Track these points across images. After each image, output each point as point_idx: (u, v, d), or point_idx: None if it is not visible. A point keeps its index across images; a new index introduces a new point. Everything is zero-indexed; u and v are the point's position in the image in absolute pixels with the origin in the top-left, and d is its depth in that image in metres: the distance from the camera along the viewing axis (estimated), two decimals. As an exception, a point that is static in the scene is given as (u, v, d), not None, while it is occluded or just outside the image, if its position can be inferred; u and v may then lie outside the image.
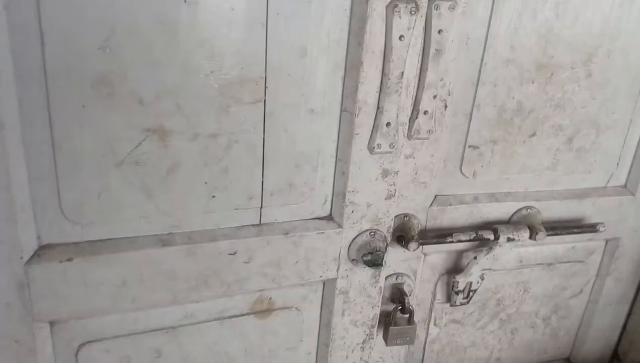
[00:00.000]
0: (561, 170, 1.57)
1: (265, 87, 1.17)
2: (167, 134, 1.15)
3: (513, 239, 1.52)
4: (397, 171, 1.36)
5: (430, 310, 1.67)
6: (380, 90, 1.25)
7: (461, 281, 1.59)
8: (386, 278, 1.54)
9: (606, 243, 1.75)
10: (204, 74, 1.12)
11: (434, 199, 1.50)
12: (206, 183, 1.22)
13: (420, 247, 1.50)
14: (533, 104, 1.45)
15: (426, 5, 1.20)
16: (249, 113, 1.18)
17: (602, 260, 1.77)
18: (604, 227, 1.59)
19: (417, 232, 1.47)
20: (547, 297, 1.77)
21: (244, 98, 1.17)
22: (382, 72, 1.23)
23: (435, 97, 1.33)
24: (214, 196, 1.24)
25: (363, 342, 1.55)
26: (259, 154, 1.23)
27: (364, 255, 1.39)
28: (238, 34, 1.11)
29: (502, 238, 1.51)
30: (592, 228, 1.59)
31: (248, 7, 1.10)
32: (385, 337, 1.59)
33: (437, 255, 1.59)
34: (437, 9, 1.23)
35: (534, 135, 1.49)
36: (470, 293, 1.62)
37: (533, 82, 1.42)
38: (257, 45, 1.13)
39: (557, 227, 1.57)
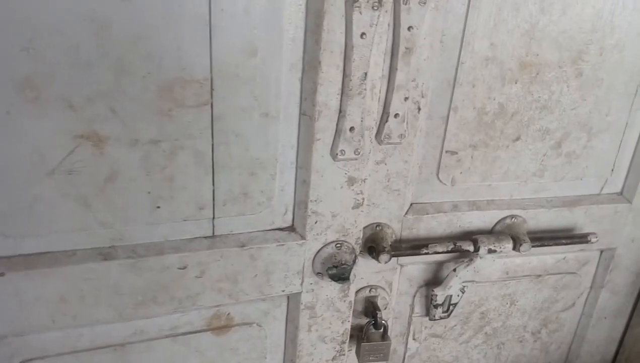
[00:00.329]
0: (549, 176, 1.45)
1: (212, 89, 1.07)
2: (102, 141, 1.05)
3: (495, 251, 1.40)
4: (365, 179, 1.25)
5: (409, 323, 1.56)
6: (342, 93, 1.13)
7: (440, 294, 1.48)
8: (358, 291, 1.44)
9: (601, 254, 1.63)
10: (140, 75, 1.02)
11: (409, 208, 1.39)
12: (149, 193, 1.12)
13: (396, 258, 1.39)
14: (516, 106, 1.33)
15: (392, 3, 1.09)
16: (194, 117, 1.08)
17: (596, 271, 1.65)
18: (596, 237, 1.47)
19: (389, 243, 1.36)
20: (536, 310, 1.65)
21: (188, 101, 1.06)
22: (343, 72, 1.11)
23: (406, 99, 1.22)
24: (158, 207, 1.14)
25: (333, 359, 1.45)
26: (208, 161, 1.13)
27: (329, 268, 1.29)
28: (177, 31, 1.00)
29: (483, 249, 1.40)
30: (582, 238, 1.47)
31: (188, 2, 0.99)
32: (357, 354, 1.49)
33: (415, 266, 1.49)
34: (406, 4, 1.11)
35: (518, 139, 1.37)
36: (451, 307, 1.52)
37: (516, 82, 1.30)
38: (200, 43, 1.02)
39: (544, 238, 1.46)
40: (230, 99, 1.09)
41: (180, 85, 1.04)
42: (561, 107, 1.36)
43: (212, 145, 1.12)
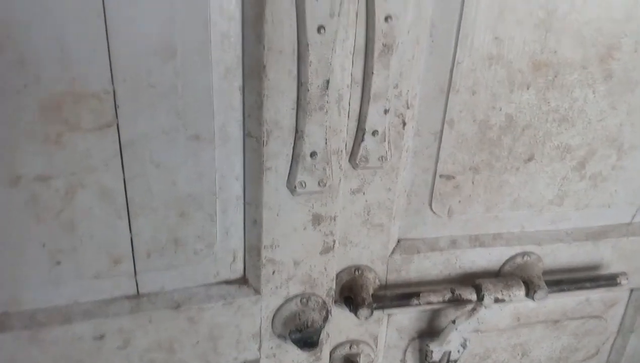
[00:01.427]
0: (570, 204, 1.17)
1: (116, 106, 0.79)
2: (-32, 179, 0.76)
3: (503, 300, 1.12)
4: (335, 216, 0.97)
5: (400, 382, 1.28)
6: (298, 107, 0.85)
7: (436, 350, 1.20)
8: (335, 348, 1.16)
9: (631, 293, 1.35)
10: (12, 89, 0.74)
11: (396, 245, 1.12)
12: (44, 245, 0.84)
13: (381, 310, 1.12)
14: (529, 118, 1.05)
15: (359, -20, 0.81)
16: (94, 143, 0.80)
17: (625, 313, 1.37)
18: (626, 278, 1.19)
19: (371, 292, 1.08)
20: (552, 361, 1.37)
21: (84, 122, 0.78)
22: (298, 80, 0.83)
23: (387, 111, 0.94)
24: (58, 262, 0.86)
25: None
26: (120, 201, 0.85)
27: (292, 332, 1.01)
28: (59, 27, 0.72)
29: (488, 298, 1.11)
30: (610, 280, 1.19)
31: (72, -14, 0.71)
32: (335, 423, 1.20)
33: (406, 314, 1.21)
34: (380, -15, 0.83)
35: (531, 159, 1.09)
36: (450, 364, 1.23)
37: (528, 88, 1.02)
38: (93, 43, 0.74)
39: (564, 281, 1.17)
40: (143, 117, 0.80)
41: (71, 101, 0.76)
42: (585, 118, 1.07)
43: (124, 179, 0.83)
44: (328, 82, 0.84)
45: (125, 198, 0.85)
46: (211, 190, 0.90)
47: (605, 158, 1.13)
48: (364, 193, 1.02)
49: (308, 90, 0.84)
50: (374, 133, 0.96)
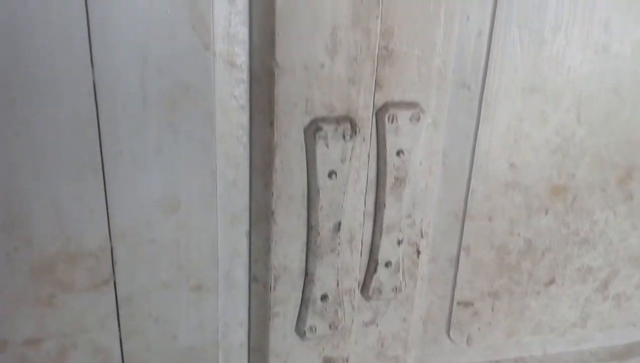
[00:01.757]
0: (593, 325, 1.10)
1: (113, 262, 0.73)
2: (-51, 348, 0.70)
3: None
4: (347, 357, 0.90)
5: None
6: (308, 250, 0.80)
7: None
8: None
9: (660, 410, 1.26)
10: (2, 253, 0.68)
11: (411, 376, 1.04)
12: (32, 410, 0.76)
13: None
14: (548, 242, 0.99)
15: (371, 122, 0.77)
16: (89, 302, 0.74)
17: None
18: (658, 401, 1.11)
19: None
20: None
21: (78, 282, 0.72)
22: (308, 224, 0.78)
23: (400, 242, 0.89)
24: None
25: None
26: (116, 360, 0.78)
27: None
28: (54, 188, 0.68)
29: None
30: (642, 404, 1.11)
31: (65, 143, 0.66)
32: None
33: None
34: (392, 122, 0.79)
35: (552, 282, 1.03)
36: None
37: (547, 212, 0.97)
38: (90, 201, 0.69)
39: (592, 407, 1.09)
40: (142, 272, 0.75)
41: (65, 262, 0.71)
42: (607, 239, 1.02)
43: (120, 337, 0.77)
44: (340, 224, 0.79)
45: (121, 357, 0.78)
46: (213, 340, 0.83)
47: (628, 277, 1.08)
48: (377, 325, 0.96)
49: (319, 234, 0.78)
50: (387, 264, 0.90)
